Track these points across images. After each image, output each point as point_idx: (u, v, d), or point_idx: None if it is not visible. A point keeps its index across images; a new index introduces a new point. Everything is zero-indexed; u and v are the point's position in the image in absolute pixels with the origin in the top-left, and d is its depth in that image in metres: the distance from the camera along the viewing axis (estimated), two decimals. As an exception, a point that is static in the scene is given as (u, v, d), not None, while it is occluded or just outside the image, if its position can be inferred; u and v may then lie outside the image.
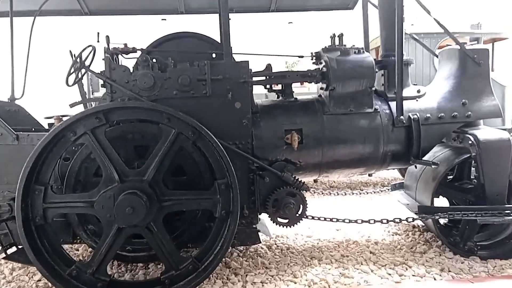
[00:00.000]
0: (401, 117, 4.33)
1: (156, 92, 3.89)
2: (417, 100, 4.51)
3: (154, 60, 4.00)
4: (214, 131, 3.80)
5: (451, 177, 4.69)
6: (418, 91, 4.56)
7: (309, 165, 4.36)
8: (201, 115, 3.90)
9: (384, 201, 6.19)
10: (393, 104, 4.41)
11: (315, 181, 7.68)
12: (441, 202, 4.79)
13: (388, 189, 5.44)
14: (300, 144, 4.22)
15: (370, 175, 5.72)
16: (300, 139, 4.23)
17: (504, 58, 8.84)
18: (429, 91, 4.65)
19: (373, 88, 4.39)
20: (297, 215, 4.11)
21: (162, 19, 8.69)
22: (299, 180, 4.12)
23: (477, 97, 4.48)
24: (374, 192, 5.94)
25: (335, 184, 7.53)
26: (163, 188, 3.60)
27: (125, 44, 4.31)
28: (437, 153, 4.51)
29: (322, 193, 5.59)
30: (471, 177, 4.46)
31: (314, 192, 5.46)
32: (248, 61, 4.07)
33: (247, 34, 13.23)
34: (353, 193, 5.91)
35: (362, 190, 5.93)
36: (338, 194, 5.91)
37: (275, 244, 4.73)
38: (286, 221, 4.13)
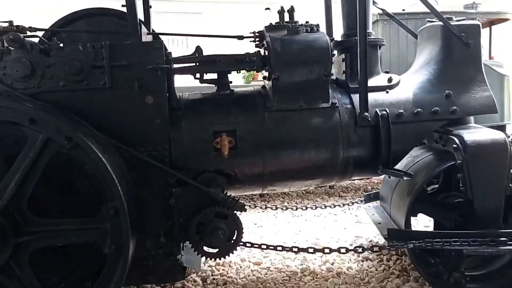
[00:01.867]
0: (366, 113, 3.33)
1: (36, 84, 2.92)
2: (387, 92, 3.52)
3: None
4: (117, 134, 2.95)
5: (436, 186, 3.72)
6: (390, 80, 3.56)
7: (248, 176, 3.38)
8: (98, 113, 2.96)
9: (362, 215, 5.18)
10: (356, 97, 3.41)
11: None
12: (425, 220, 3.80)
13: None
14: (233, 149, 3.24)
15: (331, 187, 4.66)
16: (234, 143, 3.25)
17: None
18: (404, 80, 3.66)
19: (330, 77, 3.40)
20: (230, 242, 3.15)
21: None
22: (233, 197, 3.16)
23: (465, 87, 3.49)
24: (352, 204, 4.94)
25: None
26: (28, 215, 2.63)
27: (10, 23, 3.30)
28: (416, 158, 3.53)
29: (277, 208, 4.56)
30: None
31: (265, 207, 4.45)
32: (162, 41, 3.11)
33: (220, 23, 12.25)
34: (324, 207, 4.87)
35: (333, 206, 4.85)
36: (297, 209, 4.88)
37: (212, 275, 3.75)
38: (215, 251, 3.17)
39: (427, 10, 3.49)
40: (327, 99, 3.38)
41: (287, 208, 4.58)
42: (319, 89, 3.38)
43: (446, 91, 3.44)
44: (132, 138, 3.02)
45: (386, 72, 3.73)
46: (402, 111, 3.40)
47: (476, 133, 3.19)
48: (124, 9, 3.09)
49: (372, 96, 3.42)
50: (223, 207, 3.12)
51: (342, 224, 4.89)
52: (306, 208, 4.74)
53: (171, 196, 3.08)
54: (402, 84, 3.58)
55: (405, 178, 3.19)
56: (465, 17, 3.68)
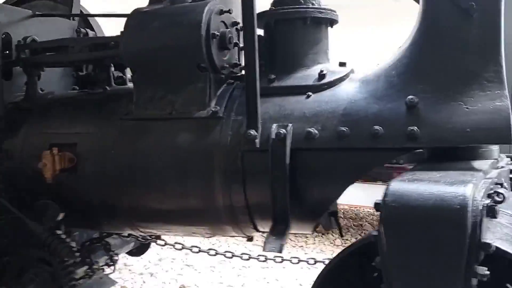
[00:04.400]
0: (250, 131, 2.00)
1: None
2: (308, 96, 2.07)
3: None
4: None
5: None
6: (321, 76, 2.10)
7: (98, 211, 2.39)
8: None
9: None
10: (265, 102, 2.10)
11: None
12: None
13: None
14: (70, 172, 2.31)
15: (249, 239, 2.96)
16: (75, 162, 2.32)
17: None
18: (355, 77, 2.14)
19: (206, 69, 2.18)
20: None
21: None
22: (61, 237, 2.26)
23: (451, 92, 1.83)
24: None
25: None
26: None
27: None
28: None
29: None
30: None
31: (165, 244, 3.18)
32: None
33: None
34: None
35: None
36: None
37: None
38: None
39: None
40: (203, 105, 2.16)
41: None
42: (193, 89, 2.18)
43: (409, 98, 1.84)
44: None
45: (341, 64, 2.26)
46: (316, 129, 1.94)
47: (420, 182, 1.56)
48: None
49: (280, 102, 2.07)
50: (45, 246, 2.24)
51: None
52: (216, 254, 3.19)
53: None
54: (345, 84, 2.09)
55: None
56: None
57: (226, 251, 3.08)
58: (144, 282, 3.96)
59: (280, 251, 1.76)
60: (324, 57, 2.24)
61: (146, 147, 2.22)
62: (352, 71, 2.16)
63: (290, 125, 1.96)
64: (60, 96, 2.63)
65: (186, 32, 2.11)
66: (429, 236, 1.45)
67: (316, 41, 2.21)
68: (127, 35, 2.21)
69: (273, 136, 1.94)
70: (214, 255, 3.22)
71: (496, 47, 1.80)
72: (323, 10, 2.19)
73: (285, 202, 1.94)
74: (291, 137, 1.95)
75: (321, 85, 2.07)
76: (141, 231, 2.52)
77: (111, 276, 2.93)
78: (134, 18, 2.22)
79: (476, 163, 1.79)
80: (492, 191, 1.49)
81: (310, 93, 2.06)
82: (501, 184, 1.66)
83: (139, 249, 3.23)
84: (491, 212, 1.45)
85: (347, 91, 2.03)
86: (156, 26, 2.16)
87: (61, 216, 2.33)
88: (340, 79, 2.08)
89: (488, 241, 1.40)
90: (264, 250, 1.76)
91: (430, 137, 1.80)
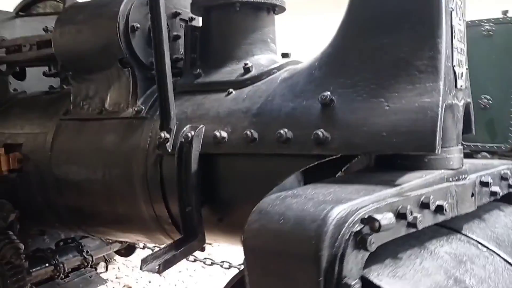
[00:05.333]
0: (162, 133, 1.80)
1: None
2: (228, 93, 1.80)
3: None
4: None
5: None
6: (246, 70, 1.81)
7: (44, 212, 2.34)
8: None
9: None
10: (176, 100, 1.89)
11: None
12: None
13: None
14: (19, 171, 2.29)
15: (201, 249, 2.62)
16: (21, 162, 2.30)
17: None
18: (287, 71, 1.82)
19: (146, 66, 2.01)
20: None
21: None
22: (10, 234, 2.27)
23: (376, 85, 1.47)
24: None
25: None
26: None
27: None
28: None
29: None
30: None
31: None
32: None
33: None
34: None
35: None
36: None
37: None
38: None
39: None
40: (128, 104, 2.00)
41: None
42: (119, 87, 2.03)
43: (322, 94, 1.51)
44: None
45: (284, 55, 1.96)
46: (226, 132, 1.68)
47: (294, 199, 1.24)
48: None
49: (200, 101, 1.85)
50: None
51: None
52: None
53: None
54: (270, 79, 1.78)
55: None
56: None
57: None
58: (149, 281, 3.90)
59: (159, 272, 1.54)
60: (263, 47, 1.95)
61: (79, 148, 2.11)
62: (289, 63, 1.85)
63: (201, 126, 1.73)
64: (25, 96, 2.64)
65: (104, 24, 1.96)
66: (282, 272, 1.15)
67: (251, 30, 1.93)
68: (57, 31, 2.11)
69: (181, 139, 1.73)
70: (211, 264, 3.10)
71: (432, 26, 1.41)
72: (276, -1, 1.90)
73: (191, 212, 1.71)
74: (201, 140, 1.71)
75: (244, 80, 1.79)
76: (84, 234, 2.44)
77: (112, 275, 2.90)
78: (65, 12, 2.12)
79: (413, 175, 1.42)
80: (367, 216, 1.14)
81: (231, 90, 1.80)
82: (426, 204, 1.28)
83: (127, 250, 3.17)
84: (361, 243, 1.11)
85: (269, 87, 1.73)
86: (81, 19, 2.04)
87: (12, 216, 2.33)
88: (268, 73, 1.79)
89: (350, 281, 1.07)
90: (141, 269, 1.55)
91: (342, 142, 1.46)
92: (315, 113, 1.52)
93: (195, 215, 1.71)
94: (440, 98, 1.34)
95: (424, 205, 1.26)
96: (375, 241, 1.09)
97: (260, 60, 1.86)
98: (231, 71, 1.86)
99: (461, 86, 1.58)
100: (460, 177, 1.49)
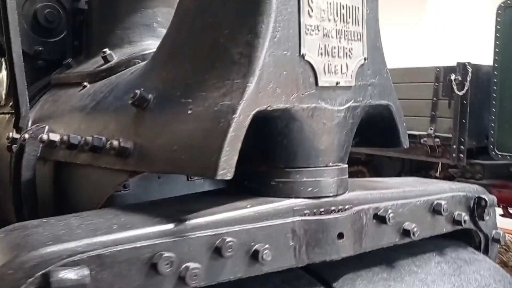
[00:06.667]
0: (10, 133, 1.56)
1: None
2: (84, 87, 1.50)
3: None
4: None
5: None
6: (105, 60, 1.49)
7: None
8: None
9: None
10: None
11: None
12: None
13: None
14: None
15: None
16: None
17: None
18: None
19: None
20: None
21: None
22: None
23: (192, 84, 1.08)
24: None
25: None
26: None
27: None
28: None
29: None
30: None
31: None
32: None
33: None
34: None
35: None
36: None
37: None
38: None
39: None
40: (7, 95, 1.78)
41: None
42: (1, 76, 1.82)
43: (135, 92, 1.14)
44: None
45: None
46: (57, 135, 1.38)
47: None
48: None
49: (58, 97, 1.58)
50: None
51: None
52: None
53: None
54: (127, 71, 1.44)
55: None
56: None
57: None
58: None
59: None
60: (145, 33, 1.62)
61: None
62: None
63: (41, 127, 1.45)
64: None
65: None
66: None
67: (131, 12, 1.60)
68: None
69: (21, 141, 1.47)
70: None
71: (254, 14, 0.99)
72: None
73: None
74: (39, 143, 1.44)
75: (99, 72, 1.48)
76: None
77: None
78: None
79: (241, 204, 1.02)
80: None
81: (86, 83, 1.49)
82: (218, 250, 0.90)
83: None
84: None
85: (117, 81, 1.40)
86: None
87: None
88: (127, 64, 1.46)
89: None
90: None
91: (140, 157, 1.10)
92: (125, 121, 1.17)
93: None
94: (243, 101, 0.93)
95: (217, 251, 0.89)
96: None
97: (130, 49, 1.53)
98: (95, 62, 1.56)
99: (338, 83, 1.13)
100: (326, 209, 1.07)
